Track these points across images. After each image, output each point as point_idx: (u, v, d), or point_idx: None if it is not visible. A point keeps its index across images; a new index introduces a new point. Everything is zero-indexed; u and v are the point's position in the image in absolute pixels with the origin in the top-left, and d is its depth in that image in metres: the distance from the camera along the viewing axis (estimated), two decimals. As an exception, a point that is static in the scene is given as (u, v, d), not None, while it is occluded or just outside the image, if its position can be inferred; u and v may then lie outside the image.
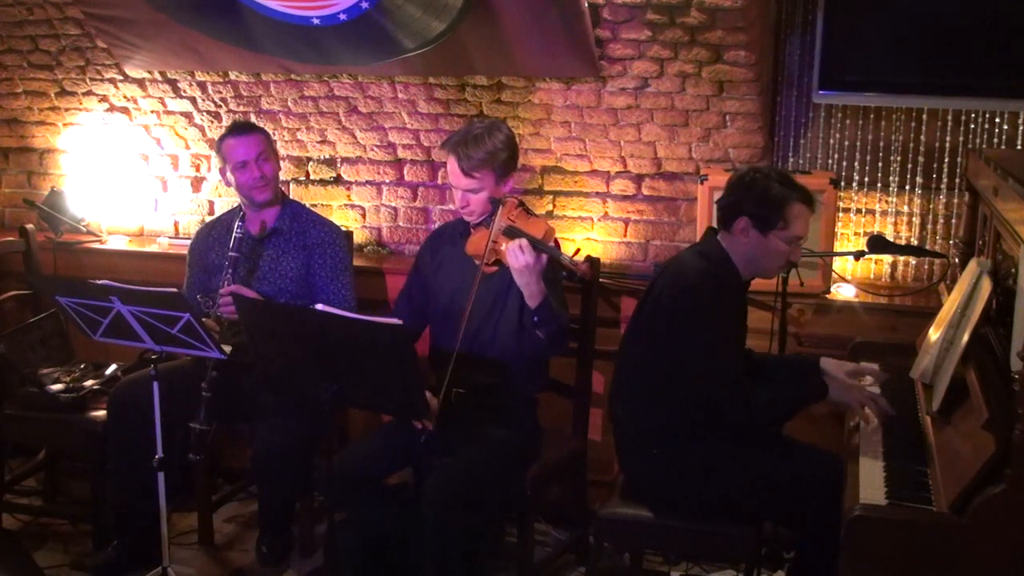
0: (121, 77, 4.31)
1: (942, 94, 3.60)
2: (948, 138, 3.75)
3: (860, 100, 3.73)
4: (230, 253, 3.53)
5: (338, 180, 4.43)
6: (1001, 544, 2.24)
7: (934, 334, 2.97)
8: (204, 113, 4.38)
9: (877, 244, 3.58)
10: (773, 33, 3.78)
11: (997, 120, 3.68)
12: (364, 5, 3.54)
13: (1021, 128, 3.66)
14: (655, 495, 3.02)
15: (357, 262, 4.12)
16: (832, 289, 3.78)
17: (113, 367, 3.93)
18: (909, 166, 3.81)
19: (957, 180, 3.76)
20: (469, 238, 3.23)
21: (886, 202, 3.87)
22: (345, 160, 4.39)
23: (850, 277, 3.87)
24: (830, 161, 3.87)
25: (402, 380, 2.77)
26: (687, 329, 2.91)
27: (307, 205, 3.98)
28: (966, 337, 2.73)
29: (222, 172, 3.74)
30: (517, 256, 2.97)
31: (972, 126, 3.71)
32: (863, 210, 3.89)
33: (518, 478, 3.28)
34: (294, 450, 3.44)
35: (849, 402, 2.96)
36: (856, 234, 3.89)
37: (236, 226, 3.56)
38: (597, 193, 4.10)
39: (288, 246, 3.69)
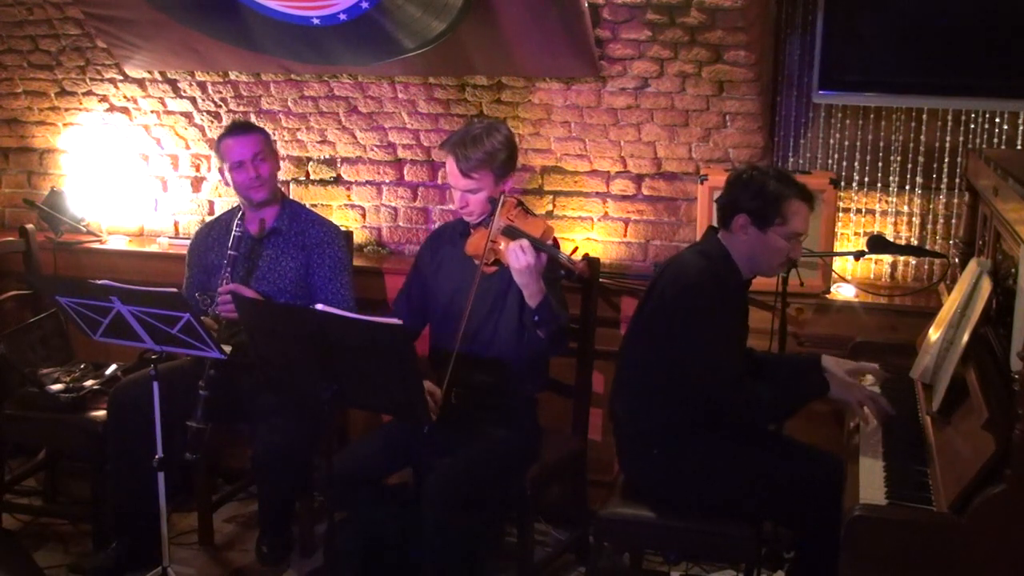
0: (121, 77, 4.31)
1: (942, 94, 3.61)
2: (948, 138, 3.75)
3: (860, 100, 3.73)
4: (229, 252, 3.53)
5: (338, 180, 4.43)
6: (1001, 544, 2.24)
7: (934, 334, 2.97)
8: (204, 113, 4.38)
9: (877, 244, 3.58)
10: (773, 33, 3.78)
11: (997, 120, 3.68)
12: (364, 5, 3.54)
13: (1021, 128, 3.66)
14: (655, 495, 3.02)
15: (357, 262, 4.12)
16: (832, 289, 3.78)
17: (113, 367, 3.93)
18: (909, 166, 3.81)
19: (957, 180, 3.76)
20: (469, 238, 3.23)
21: (886, 202, 3.87)
22: (345, 160, 4.39)
23: (850, 277, 3.87)
24: (830, 161, 3.87)
25: (402, 380, 2.77)
26: (688, 328, 2.91)
27: (307, 205, 3.98)
28: (966, 337, 2.73)
29: (221, 172, 3.75)
30: (518, 257, 2.96)
31: (972, 126, 3.71)
32: (863, 210, 3.89)
33: (518, 478, 3.28)
34: (294, 450, 3.44)
35: (849, 400, 2.96)
36: (856, 234, 3.89)
37: (235, 225, 3.57)
38: (597, 193, 4.10)
39: (287, 246, 3.69)
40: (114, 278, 3.10)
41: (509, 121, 3.93)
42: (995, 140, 3.69)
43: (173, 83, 4.27)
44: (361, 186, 4.41)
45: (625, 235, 4.11)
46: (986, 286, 2.82)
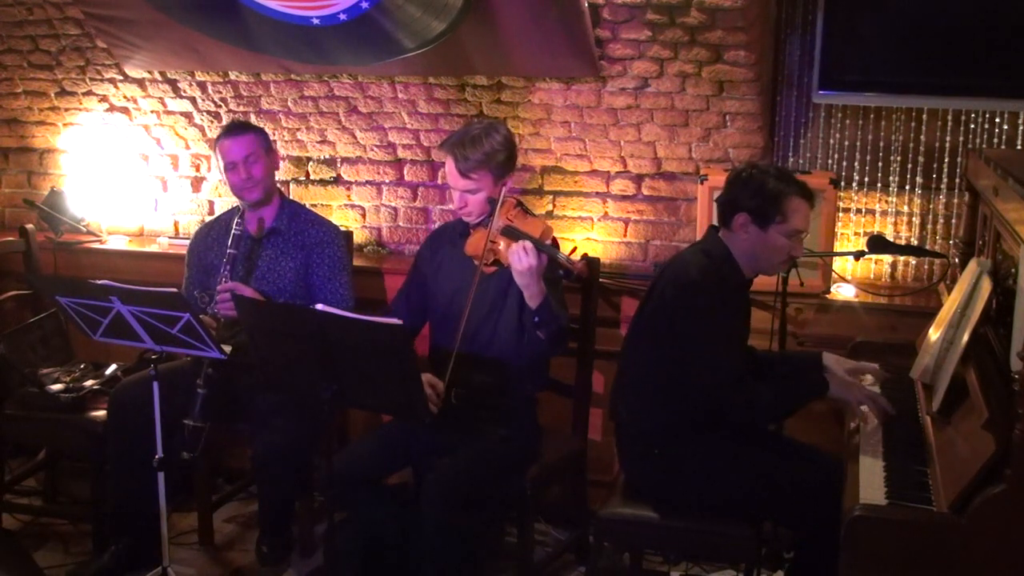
0: (121, 77, 4.31)
1: (942, 94, 3.60)
2: (948, 138, 3.75)
3: (860, 100, 3.73)
4: (228, 251, 3.54)
5: (338, 180, 4.43)
6: (1001, 544, 2.24)
7: (934, 334, 2.97)
8: (204, 113, 4.38)
9: (877, 244, 3.58)
10: (773, 33, 3.78)
11: (997, 120, 3.68)
12: (364, 5, 3.54)
13: (1021, 128, 3.66)
14: (655, 495, 3.02)
15: (357, 262, 4.12)
16: (832, 289, 3.78)
17: (113, 367, 3.93)
18: (909, 166, 3.81)
19: (957, 180, 3.76)
20: (468, 238, 3.23)
21: (886, 202, 3.87)
22: (345, 160, 4.39)
23: (850, 277, 3.87)
24: (830, 161, 3.87)
25: (402, 380, 2.77)
26: (688, 326, 2.91)
27: (306, 205, 3.98)
28: (966, 337, 2.73)
29: (220, 171, 3.75)
30: (520, 258, 2.96)
31: (972, 126, 3.71)
32: (863, 210, 3.89)
33: (518, 478, 3.28)
34: (294, 450, 3.44)
35: (849, 399, 2.96)
36: (856, 234, 3.89)
37: (235, 223, 3.57)
38: (597, 193, 4.10)
39: (287, 246, 3.69)
40: (114, 278, 3.10)
41: (509, 121, 3.94)
42: (995, 140, 3.69)
43: (173, 83, 4.27)
44: (361, 186, 4.41)
45: (625, 235, 4.11)
46: (986, 286, 2.82)
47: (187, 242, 3.96)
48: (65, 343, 4.11)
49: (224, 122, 4.30)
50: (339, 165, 4.41)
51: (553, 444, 3.47)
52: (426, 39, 3.61)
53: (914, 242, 3.84)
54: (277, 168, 3.77)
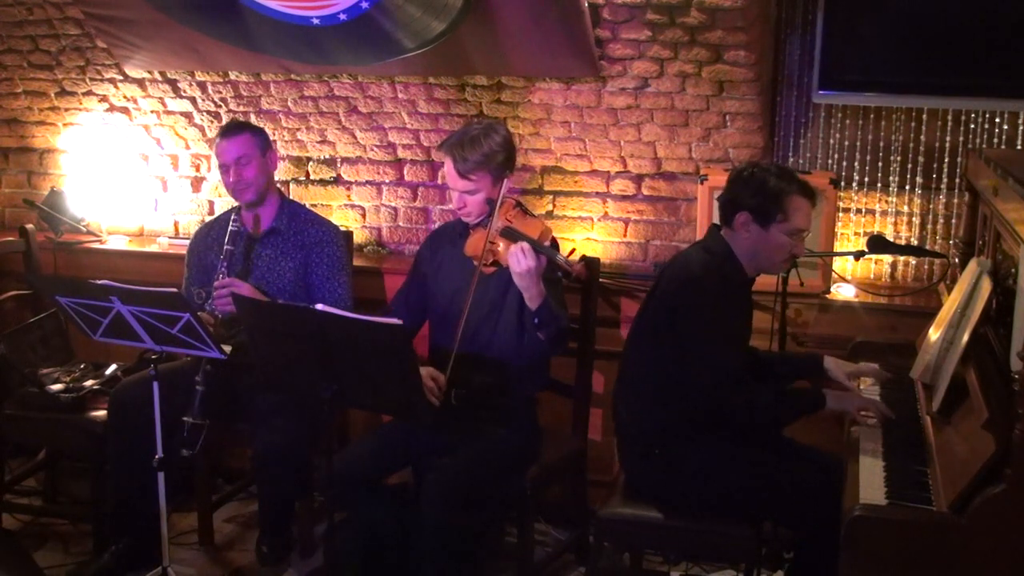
0: (121, 77, 4.31)
1: (942, 94, 3.60)
2: (948, 138, 3.75)
3: (860, 100, 3.73)
4: (225, 247, 3.54)
5: (338, 180, 4.43)
6: (1001, 544, 2.24)
7: (934, 334, 2.97)
8: (204, 113, 4.38)
9: (877, 244, 3.58)
10: (773, 33, 3.78)
11: (997, 120, 3.68)
12: (364, 5, 3.54)
13: (1021, 128, 3.66)
14: (655, 495, 3.02)
15: (357, 262, 4.12)
16: (832, 289, 3.78)
17: (113, 367, 3.92)
18: (909, 166, 3.81)
19: (957, 180, 3.76)
20: (467, 239, 3.23)
21: (886, 202, 3.87)
22: (345, 160, 4.39)
23: (850, 277, 3.87)
24: (830, 161, 3.87)
25: (402, 380, 2.77)
26: (690, 323, 2.91)
27: (306, 205, 3.98)
28: (966, 337, 2.73)
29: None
30: (519, 260, 2.96)
31: (972, 126, 3.71)
32: (863, 210, 3.89)
33: (518, 478, 3.28)
34: (294, 450, 3.44)
35: (847, 409, 2.97)
36: (856, 234, 3.89)
37: (231, 219, 3.58)
38: (597, 193, 4.10)
39: (286, 246, 3.69)
40: (114, 278, 3.10)
41: (509, 121, 3.94)
42: (995, 140, 3.69)
43: (173, 83, 4.27)
44: (361, 186, 4.41)
45: (625, 235, 4.11)
46: (986, 286, 2.82)
47: (187, 242, 3.96)
48: (65, 343, 4.11)
49: (224, 122, 4.30)
50: (339, 165, 4.41)
51: (553, 444, 3.47)
52: (426, 39, 3.61)
53: (914, 242, 3.84)
54: (274, 168, 3.76)
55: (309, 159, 4.44)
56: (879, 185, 3.85)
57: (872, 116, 3.81)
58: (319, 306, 2.79)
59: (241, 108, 4.29)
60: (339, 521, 3.03)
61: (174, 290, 3.06)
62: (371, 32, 3.63)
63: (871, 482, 2.52)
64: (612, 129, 3.88)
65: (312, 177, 4.46)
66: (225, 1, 3.69)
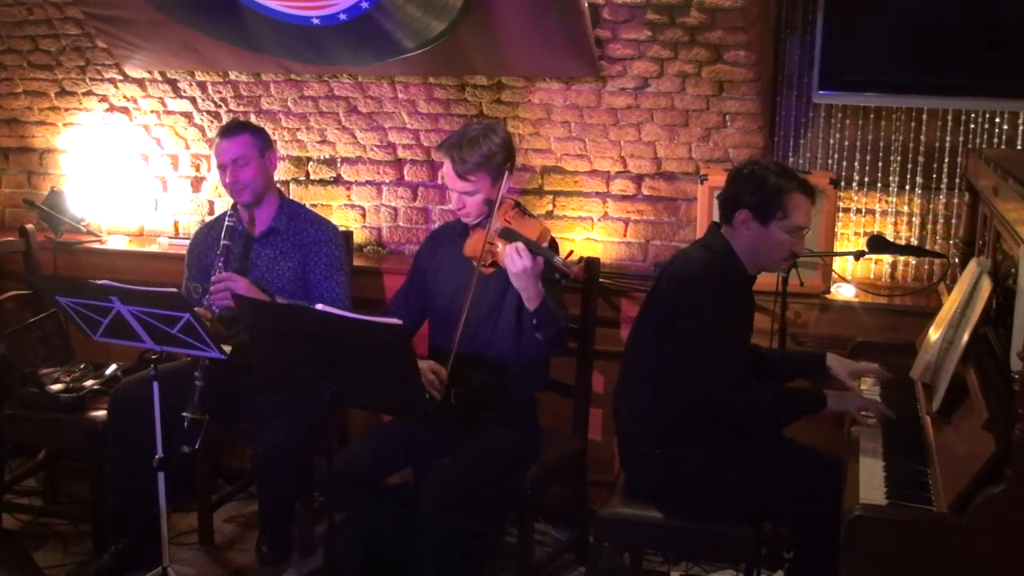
0: (121, 77, 4.31)
1: (942, 94, 3.60)
2: (948, 138, 3.75)
3: (860, 100, 3.73)
4: (222, 242, 3.54)
5: (338, 180, 4.43)
6: (1001, 544, 2.24)
7: (934, 334, 2.97)
8: (204, 113, 4.38)
9: (877, 244, 3.58)
10: (773, 33, 3.78)
11: (997, 120, 3.68)
12: (364, 5, 3.54)
13: (1021, 128, 3.66)
14: (655, 495, 3.02)
15: (357, 262, 4.12)
16: (832, 289, 3.78)
17: (113, 367, 3.93)
18: (909, 166, 3.81)
19: (957, 180, 3.76)
20: (467, 239, 3.24)
21: (886, 202, 3.87)
22: (345, 160, 4.39)
23: (850, 277, 3.87)
24: (830, 161, 3.87)
25: (402, 380, 2.77)
26: (690, 322, 2.91)
27: (306, 205, 3.98)
28: (966, 337, 2.73)
29: None
30: (515, 260, 2.97)
31: (972, 126, 3.71)
32: (863, 210, 3.89)
33: (518, 478, 3.28)
34: (294, 450, 3.44)
35: (847, 409, 2.97)
36: (856, 234, 3.89)
37: (227, 215, 3.58)
38: (597, 193, 4.10)
39: (285, 246, 3.69)
40: (114, 278, 3.10)
41: (509, 121, 3.94)
42: (995, 140, 3.69)
43: (173, 83, 4.27)
44: (361, 186, 4.41)
45: (625, 235, 4.11)
46: (986, 286, 2.82)
47: (187, 242, 3.96)
48: (65, 343, 4.11)
49: (224, 122, 4.30)
50: (339, 165, 4.41)
51: (553, 444, 3.47)
52: (426, 39, 3.61)
53: (914, 242, 3.84)
54: (273, 169, 3.75)
55: (309, 159, 4.44)
56: (879, 185, 3.85)
57: (872, 116, 3.81)
58: (319, 306, 2.79)
59: (241, 108, 4.29)
60: (339, 521, 3.04)
61: (174, 290, 3.06)
62: (371, 32, 3.63)
63: (871, 482, 2.52)
64: (612, 129, 3.88)
65: (312, 177, 4.46)
66: (225, 1, 3.69)
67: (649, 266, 4.04)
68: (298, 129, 4.32)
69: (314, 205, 4.31)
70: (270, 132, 3.99)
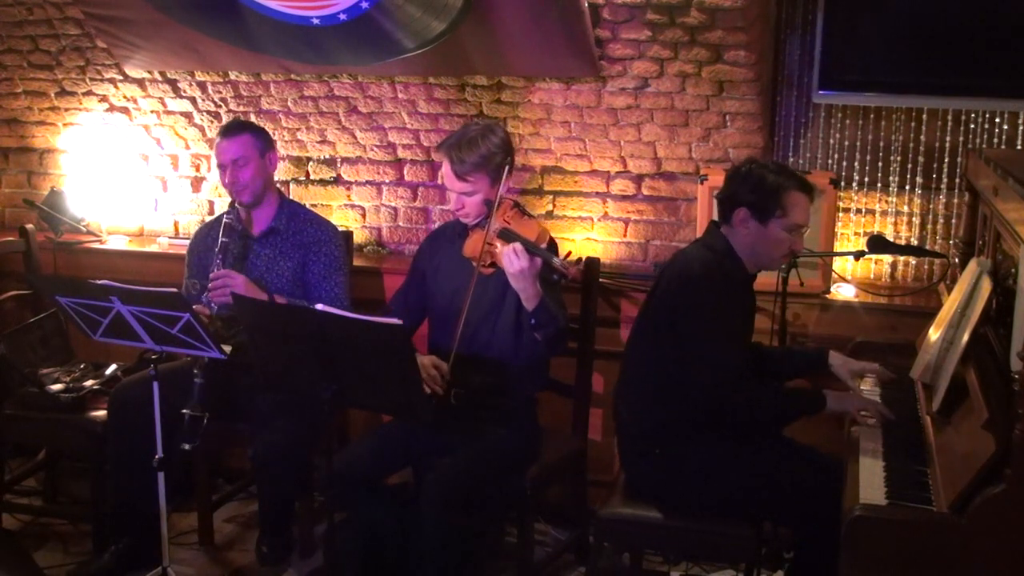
0: (121, 77, 4.31)
1: (942, 94, 3.60)
2: (948, 138, 3.75)
3: (860, 100, 3.73)
4: (221, 239, 3.54)
5: (338, 180, 4.43)
6: (1001, 544, 2.24)
7: (934, 334, 2.97)
8: (204, 113, 4.38)
9: (877, 244, 3.58)
10: (773, 33, 3.78)
11: (997, 120, 3.68)
12: (364, 5, 3.54)
13: (1021, 128, 3.66)
14: (656, 495, 3.02)
15: (357, 262, 4.13)
16: (832, 289, 3.78)
17: (113, 367, 3.92)
18: (909, 166, 3.81)
19: (957, 180, 3.76)
20: (466, 240, 3.24)
21: (886, 202, 3.87)
22: (345, 160, 4.39)
23: (850, 277, 3.87)
24: (830, 161, 3.87)
25: (402, 380, 2.76)
26: (690, 321, 2.91)
27: (306, 205, 3.98)
28: (966, 337, 2.73)
29: None
30: (512, 261, 2.97)
31: (972, 126, 3.71)
32: (863, 210, 3.89)
33: (518, 478, 3.28)
34: (294, 450, 3.44)
35: (847, 410, 2.97)
36: (856, 234, 3.89)
37: (226, 213, 3.58)
38: (597, 193, 4.10)
39: (285, 246, 3.69)
40: (114, 278, 3.10)
41: (509, 121, 3.94)
42: (995, 140, 3.69)
43: (173, 83, 4.27)
44: (361, 186, 4.41)
45: (625, 235, 4.11)
46: (986, 286, 2.82)
47: (187, 242, 3.96)
48: (65, 343, 4.11)
49: (224, 122, 4.30)
50: (339, 165, 4.41)
51: (553, 444, 3.47)
52: (426, 39, 3.61)
53: (914, 242, 3.84)
54: (274, 170, 3.75)
55: (309, 159, 4.44)
56: (879, 185, 3.85)
57: (872, 116, 3.81)
58: (319, 306, 2.79)
59: (241, 108, 4.29)
60: (339, 521, 3.04)
61: (174, 290, 3.06)
62: (371, 32, 3.63)
63: (871, 482, 2.52)
64: (612, 129, 3.88)
65: (312, 177, 4.46)
66: (225, 1, 3.69)
67: (649, 266, 4.04)
68: (298, 129, 4.32)
69: (314, 205, 4.31)
70: (270, 132, 3.99)
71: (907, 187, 3.83)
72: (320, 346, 2.76)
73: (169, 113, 4.43)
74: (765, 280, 3.33)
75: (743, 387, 2.92)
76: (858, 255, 3.67)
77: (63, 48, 4.25)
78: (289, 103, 4.21)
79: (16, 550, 3.62)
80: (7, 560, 3.46)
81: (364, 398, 2.99)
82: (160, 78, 4.26)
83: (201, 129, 4.45)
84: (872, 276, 3.92)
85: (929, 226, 3.84)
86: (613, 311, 3.94)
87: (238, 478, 4.18)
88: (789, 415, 3.04)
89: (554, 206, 4.17)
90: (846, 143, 3.85)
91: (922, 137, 3.77)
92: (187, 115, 4.41)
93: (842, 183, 3.84)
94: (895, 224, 3.86)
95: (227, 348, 3.21)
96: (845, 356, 3.23)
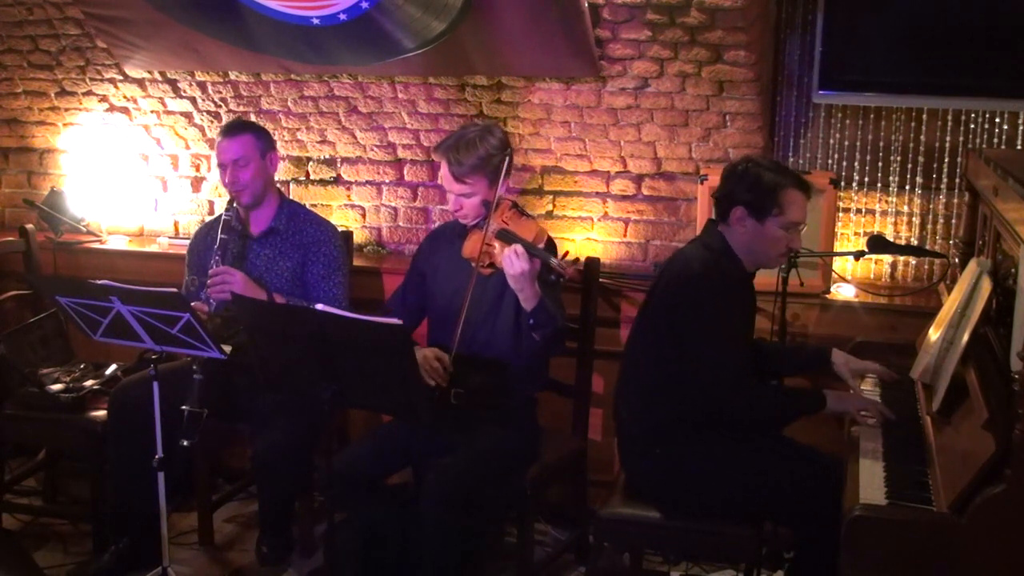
0: (121, 77, 4.31)
1: (942, 94, 3.61)
2: (948, 138, 3.75)
3: (860, 100, 3.73)
4: (220, 236, 3.55)
5: (338, 180, 4.43)
6: (1001, 544, 2.24)
7: (934, 334, 2.97)
8: (204, 113, 4.38)
9: (877, 244, 3.57)
10: (773, 33, 3.78)
11: (997, 120, 3.68)
12: (364, 5, 3.54)
13: (1021, 128, 3.66)
14: (656, 495, 3.02)
15: (357, 262, 4.12)
16: (832, 289, 3.78)
17: (113, 367, 3.92)
18: (909, 166, 3.81)
19: (957, 180, 3.76)
20: (465, 240, 3.24)
21: (886, 202, 3.87)
22: (345, 160, 4.39)
23: (850, 277, 3.87)
24: (830, 161, 3.87)
25: (402, 380, 2.77)
26: (690, 321, 2.91)
27: (306, 205, 3.98)
28: (966, 337, 2.73)
29: None
30: (512, 263, 2.97)
31: (972, 126, 3.71)
32: (863, 210, 3.89)
33: (518, 478, 3.28)
34: (294, 450, 3.44)
35: (847, 410, 2.97)
36: (856, 234, 3.89)
37: (225, 210, 3.59)
38: (597, 193, 4.10)
39: (284, 246, 3.69)
40: (114, 278, 3.10)
41: (509, 121, 3.94)
42: (995, 140, 3.69)
43: (173, 83, 4.27)
44: (361, 186, 4.41)
45: (625, 235, 4.11)
46: (986, 286, 2.82)
47: (187, 242, 3.96)
48: (65, 343, 4.11)
49: (224, 122, 4.29)
50: (339, 165, 4.41)
51: (553, 444, 3.47)
52: (426, 39, 3.61)
53: (914, 242, 3.84)
54: (274, 170, 3.75)
55: (309, 159, 4.44)
56: (879, 185, 3.85)
57: (872, 116, 3.81)
58: (319, 306, 2.79)
59: (241, 108, 4.29)
60: (339, 521, 3.04)
61: (174, 290, 3.06)
62: (371, 32, 3.63)
63: (871, 482, 2.52)
64: (612, 129, 3.88)
65: (312, 177, 4.46)
66: (225, 1, 3.69)
67: (649, 266, 4.04)
68: (298, 129, 4.32)
69: (314, 205, 4.31)
70: (270, 132, 3.99)
71: (907, 187, 3.83)
72: (320, 346, 2.76)
73: (169, 113, 4.43)
74: (765, 280, 3.33)
75: (743, 387, 2.92)
76: (858, 255, 3.67)
77: (63, 48, 4.25)
78: (289, 103, 4.21)
79: (16, 550, 3.61)
80: (7, 560, 3.46)
81: (364, 398, 2.99)
82: (160, 78, 4.26)
83: (201, 129, 4.45)
84: (872, 276, 3.92)
85: (929, 226, 3.84)
86: (613, 311, 3.94)
87: (238, 478, 4.18)
88: (789, 415, 3.04)
89: (554, 206, 4.17)
90: (846, 143, 3.85)
91: (922, 137, 3.77)
92: (187, 115, 4.41)
93: (842, 183, 3.84)
94: (895, 224, 3.87)
95: (227, 348, 3.21)
96: (847, 355, 3.22)
